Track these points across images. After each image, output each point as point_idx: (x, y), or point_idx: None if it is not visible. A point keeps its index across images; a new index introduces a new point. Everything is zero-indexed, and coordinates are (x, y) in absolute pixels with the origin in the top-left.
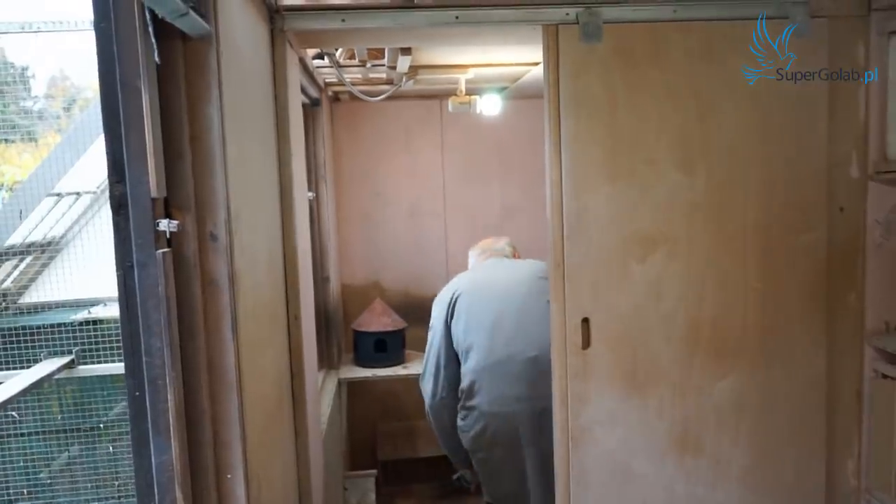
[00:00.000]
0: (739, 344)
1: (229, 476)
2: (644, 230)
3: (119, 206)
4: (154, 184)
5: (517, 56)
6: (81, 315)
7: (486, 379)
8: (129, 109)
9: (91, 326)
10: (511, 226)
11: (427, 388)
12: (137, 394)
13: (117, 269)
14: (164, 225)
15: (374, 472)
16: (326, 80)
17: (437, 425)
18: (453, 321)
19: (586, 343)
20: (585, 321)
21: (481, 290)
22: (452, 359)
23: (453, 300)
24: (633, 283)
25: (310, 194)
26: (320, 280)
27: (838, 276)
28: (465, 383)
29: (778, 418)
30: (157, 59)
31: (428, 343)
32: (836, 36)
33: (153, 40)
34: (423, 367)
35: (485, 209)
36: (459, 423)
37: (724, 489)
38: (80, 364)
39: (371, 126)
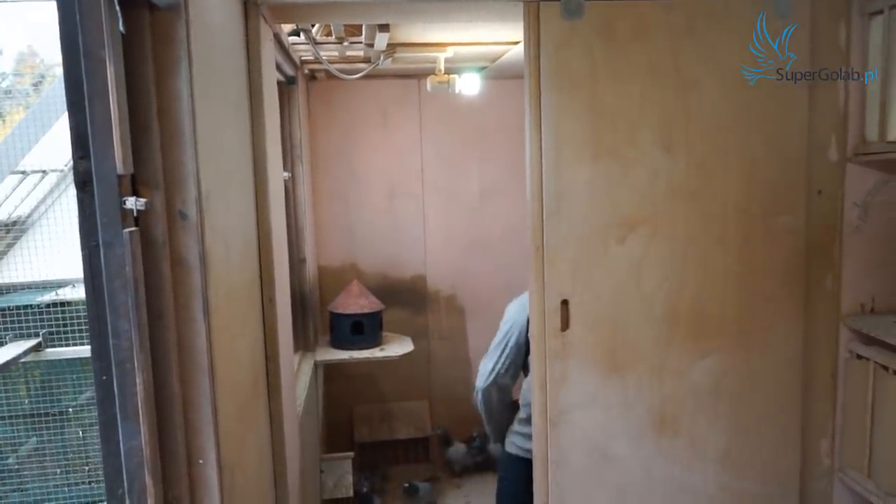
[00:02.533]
0: (718, 325)
1: (201, 461)
2: (624, 211)
3: (84, 183)
4: (120, 159)
5: (497, 35)
6: (49, 297)
7: None
8: (93, 81)
9: (59, 308)
10: (490, 208)
11: (487, 365)
12: (105, 377)
13: (82, 249)
14: (131, 203)
15: (350, 454)
16: (303, 58)
17: (485, 407)
18: None
19: (565, 325)
20: (565, 303)
21: None
22: (522, 351)
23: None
24: (613, 265)
25: (285, 174)
26: (296, 261)
27: (816, 259)
28: None
29: (755, 399)
30: (121, 28)
31: (504, 331)
32: (817, 16)
33: (118, 9)
34: (488, 349)
35: (463, 191)
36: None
37: (700, 470)
38: (47, 347)
39: (348, 105)
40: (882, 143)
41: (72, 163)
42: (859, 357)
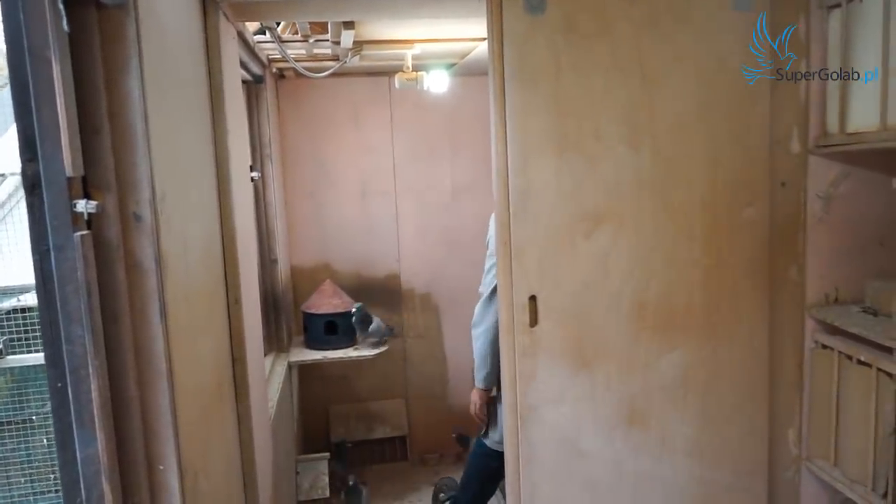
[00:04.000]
0: (685, 319)
1: (161, 467)
2: (590, 206)
3: (32, 186)
4: (69, 161)
5: (464, 31)
6: (9, 303)
7: None
8: (39, 82)
9: (20, 315)
10: (462, 205)
11: (487, 278)
12: (59, 384)
13: (33, 254)
14: (82, 206)
15: (326, 454)
16: (270, 57)
17: (493, 333)
18: None
19: (534, 321)
20: (533, 299)
21: None
22: None
23: None
24: (580, 260)
25: (254, 174)
26: (268, 262)
27: (780, 251)
28: None
29: (722, 391)
30: (66, 27)
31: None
32: (777, 9)
33: (61, 7)
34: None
35: (436, 188)
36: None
37: (670, 462)
38: (8, 354)
39: (319, 104)
40: (843, 135)
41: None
42: (824, 347)
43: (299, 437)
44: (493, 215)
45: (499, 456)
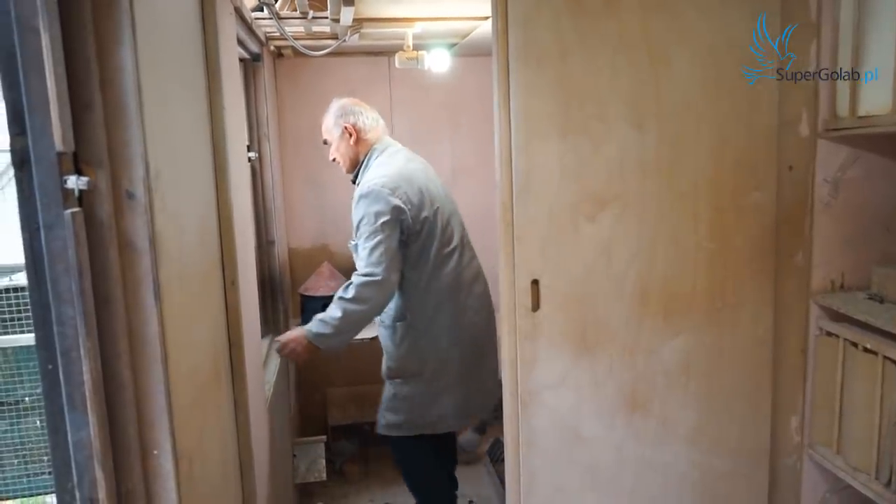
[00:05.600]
0: (689, 304)
1: (155, 451)
2: (594, 188)
3: (21, 162)
4: (60, 136)
5: (466, 10)
6: (2, 282)
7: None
8: (27, 52)
9: (13, 294)
10: (463, 186)
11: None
12: (50, 366)
13: (23, 232)
14: (73, 182)
15: (323, 437)
16: (268, 34)
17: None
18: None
19: (536, 305)
20: (535, 283)
21: (444, 204)
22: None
23: (434, 211)
24: (584, 243)
25: (252, 154)
26: (265, 243)
27: (786, 236)
28: (431, 304)
29: (725, 377)
30: None
31: (381, 234)
32: None
33: None
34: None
35: (436, 169)
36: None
37: (671, 449)
38: (1, 334)
39: (318, 83)
40: (853, 119)
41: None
42: (829, 334)
43: (297, 419)
44: (358, 196)
45: (416, 439)
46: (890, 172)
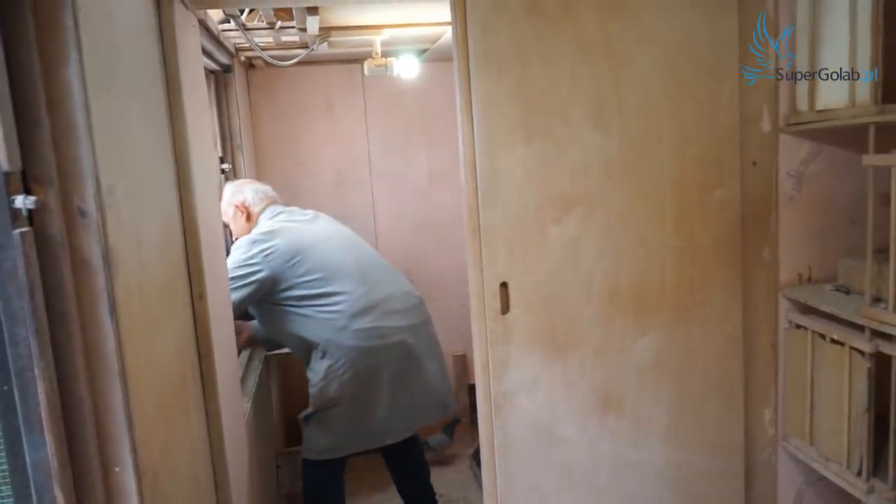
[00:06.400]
0: (658, 302)
1: (117, 469)
2: (559, 190)
3: None
4: (5, 155)
5: (432, 15)
6: None
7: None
8: None
9: None
10: (438, 192)
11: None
12: (6, 388)
13: None
14: (21, 202)
15: None
16: (238, 46)
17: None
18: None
19: (505, 308)
20: (504, 286)
21: (328, 241)
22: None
23: (296, 256)
24: (551, 245)
25: (225, 165)
26: None
27: (752, 231)
28: (333, 330)
29: (697, 374)
30: None
31: (253, 280)
32: None
33: None
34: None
35: (412, 176)
36: (329, 367)
37: (647, 447)
38: None
39: (291, 93)
40: (812, 113)
41: None
42: (798, 326)
43: (282, 430)
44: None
45: (326, 464)
46: (853, 165)
